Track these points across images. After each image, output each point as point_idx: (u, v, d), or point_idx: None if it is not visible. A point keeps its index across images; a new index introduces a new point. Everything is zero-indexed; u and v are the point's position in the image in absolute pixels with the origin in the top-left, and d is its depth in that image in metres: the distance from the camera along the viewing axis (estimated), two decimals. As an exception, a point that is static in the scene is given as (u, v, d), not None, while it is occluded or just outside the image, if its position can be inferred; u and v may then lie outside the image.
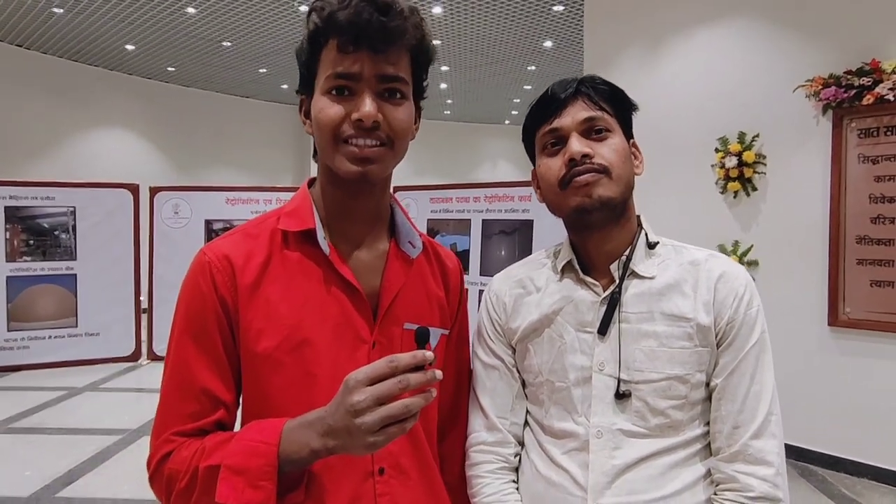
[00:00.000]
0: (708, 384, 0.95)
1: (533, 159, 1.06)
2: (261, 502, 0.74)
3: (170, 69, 9.81)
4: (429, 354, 0.70)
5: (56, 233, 5.77)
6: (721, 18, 4.02)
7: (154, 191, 5.98)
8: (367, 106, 0.82)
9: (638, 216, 1.04)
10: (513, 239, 5.34)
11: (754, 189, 3.81)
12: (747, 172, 3.78)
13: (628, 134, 1.03)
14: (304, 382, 0.85)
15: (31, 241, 5.68)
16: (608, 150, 0.96)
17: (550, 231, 5.27)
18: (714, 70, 4.04)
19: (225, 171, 10.85)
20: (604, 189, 0.94)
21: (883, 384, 3.37)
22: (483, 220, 5.50)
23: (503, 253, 5.43)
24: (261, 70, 9.88)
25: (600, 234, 0.99)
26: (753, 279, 3.90)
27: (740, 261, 3.78)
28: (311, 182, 0.97)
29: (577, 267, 1.01)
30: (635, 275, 0.98)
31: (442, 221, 5.69)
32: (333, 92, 0.84)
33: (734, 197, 3.90)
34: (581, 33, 6.74)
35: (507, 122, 15.23)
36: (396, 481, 0.88)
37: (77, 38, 8.19)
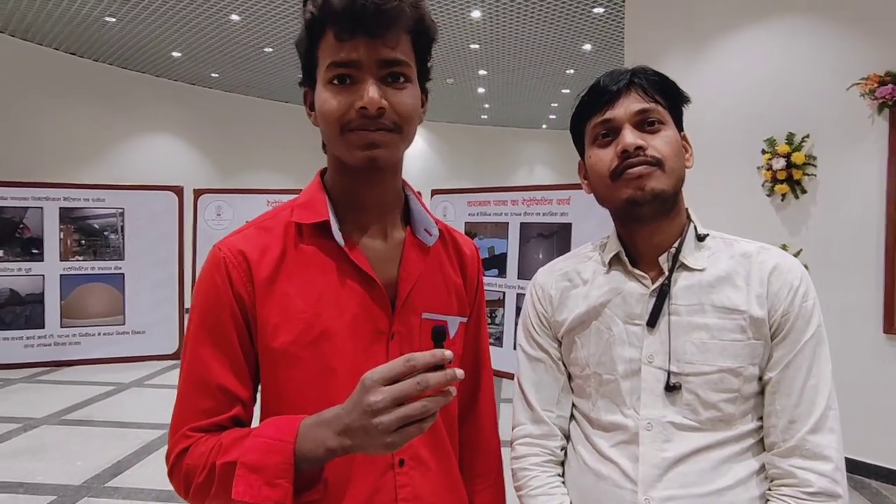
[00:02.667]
0: (761, 378, 0.93)
1: (580, 151, 1.05)
2: (277, 500, 0.73)
3: (213, 75, 10.07)
4: (448, 353, 0.68)
5: (105, 233, 5.98)
6: (767, 16, 3.92)
7: (198, 193, 6.13)
8: (371, 93, 0.79)
9: (686, 209, 1.03)
10: (551, 242, 5.31)
11: (803, 191, 3.70)
12: (796, 174, 3.67)
13: (679, 126, 1.01)
14: (322, 376, 0.84)
15: (83, 241, 5.90)
16: (661, 143, 0.95)
17: (589, 234, 5.17)
18: (760, 70, 3.94)
19: (264, 173, 11.07)
20: (656, 182, 0.93)
21: (942, 395, 3.22)
22: (521, 224, 5.47)
23: (541, 256, 5.39)
24: (300, 75, 10.02)
25: (650, 227, 0.97)
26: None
27: (788, 265, 3.67)
28: (324, 172, 0.95)
29: (626, 259, 1.00)
30: (685, 267, 0.97)
31: (479, 225, 5.69)
32: (335, 81, 0.82)
33: (782, 199, 3.79)
34: (622, 35, 6.66)
35: (544, 126, 15.15)
36: (416, 472, 0.88)
37: (127, 46, 8.48)
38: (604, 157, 0.97)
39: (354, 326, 0.86)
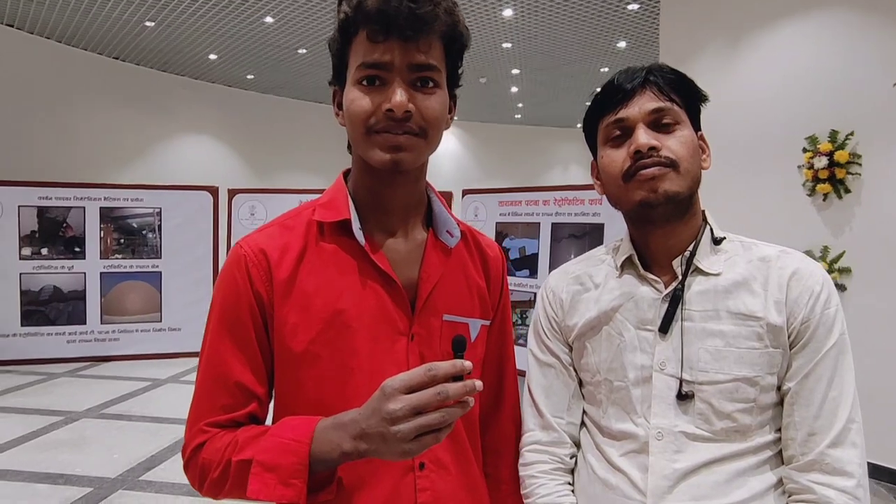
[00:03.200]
0: (780, 388, 0.90)
1: (593, 151, 1.03)
2: (291, 499, 0.74)
3: (249, 77, 10.25)
4: (468, 364, 0.69)
5: (143, 232, 6.13)
6: (807, 10, 3.80)
7: (232, 193, 6.23)
8: (399, 96, 0.80)
9: (703, 211, 0.99)
10: (583, 242, 5.23)
11: (847, 191, 3.57)
12: (839, 173, 3.54)
13: (696, 126, 0.98)
14: (340, 376, 0.84)
15: (122, 240, 6.06)
16: (676, 143, 0.92)
17: (622, 235, 5.07)
18: (801, 66, 3.81)
19: (298, 174, 11.21)
20: (670, 184, 0.90)
21: None
22: (552, 224, 5.42)
23: (572, 256, 5.27)
24: (334, 76, 10.14)
25: (663, 230, 0.95)
26: (844, 288, 3.63)
27: (830, 268, 3.54)
28: (347, 173, 0.95)
29: (638, 262, 0.98)
30: (699, 271, 0.94)
31: (510, 225, 5.65)
32: (364, 82, 0.82)
33: (824, 200, 3.66)
34: (657, 32, 6.54)
35: (578, 125, 14.95)
36: (436, 475, 0.88)
37: (165, 50, 8.69)
38: (616, 158, 0.95)
39: (374, 326, 0.86)
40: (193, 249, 6.18)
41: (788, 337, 0.89)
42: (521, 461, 1.03)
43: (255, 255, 0.86)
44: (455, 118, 0.93)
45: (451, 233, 0.94)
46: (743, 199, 3.89)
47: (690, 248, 0.95)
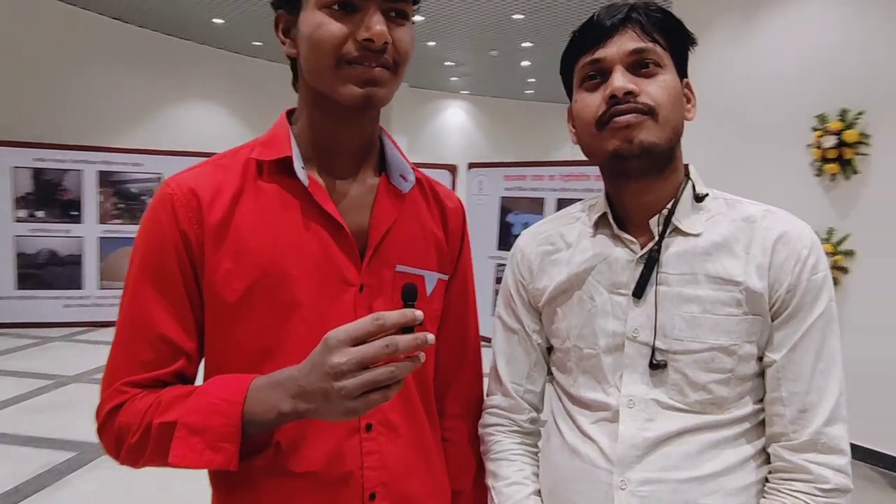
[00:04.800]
0: (761, 359, 0.84)
1: (569, 95, 0.94)
2: (220, 465, 0.68)
3: (256, 44, 10.09)
4: (419, 314, 0.63)
5: (143, 198, 6.10)
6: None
7: (233, 160, 6.17)
8: (379, 24, 0.74)
9: (686, 165, 0.91)
10: (585, 220, 5.13)
11: (855, 171, 3.43)
12: (847, 153, 3.40)
13: (682, 72, 0.88)
14: (278, 330, 0.77)
15: (121, 205, 6.03)
16: (656, 89, 0.83)
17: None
18: (814, 42, 3.65)
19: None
20: (647, 133, 0.81)
21: None
22: (558, 200, 5.33)
23: (574, 234, 5.23)
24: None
25: (639, 184, 0.86)
26: (847, 270, 3.49)
27: (835, 251, 3.43)
28: (290, 113, 0.87)
29: (612, 221, 0.90)
30: (678, 231, 0.86)
31: (515, 200, 5.56)
32: (335, 7, 0.74)
33: (831, 180, 3.53)
34: (669, 5, 6.32)
35: (590, 101, 14.73)
36: (385, 438, 0.81)
37: (169, 12, 8.56)
38: (590, 103, 0.86)
39: (318, 275, 0.78)
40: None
41: (772, 306, 0.82)
42: (481, 421, 1.01)
43: (183, 195, 0.77)
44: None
45: (404, 177, 0.87)
46: (749, 175, 3.77)
47: (669, 205, 0.87)
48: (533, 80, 12.24)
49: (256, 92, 10.83)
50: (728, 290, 0.82)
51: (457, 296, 0.96)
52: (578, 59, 0.89)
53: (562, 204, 5.29)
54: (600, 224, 0.92)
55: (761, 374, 0.84)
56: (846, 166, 3.44)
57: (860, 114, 3.39)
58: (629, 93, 0.82)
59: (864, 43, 3.44)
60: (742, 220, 0.86)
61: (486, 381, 1.04)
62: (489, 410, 1.00)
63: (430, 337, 0.63)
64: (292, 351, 0.73)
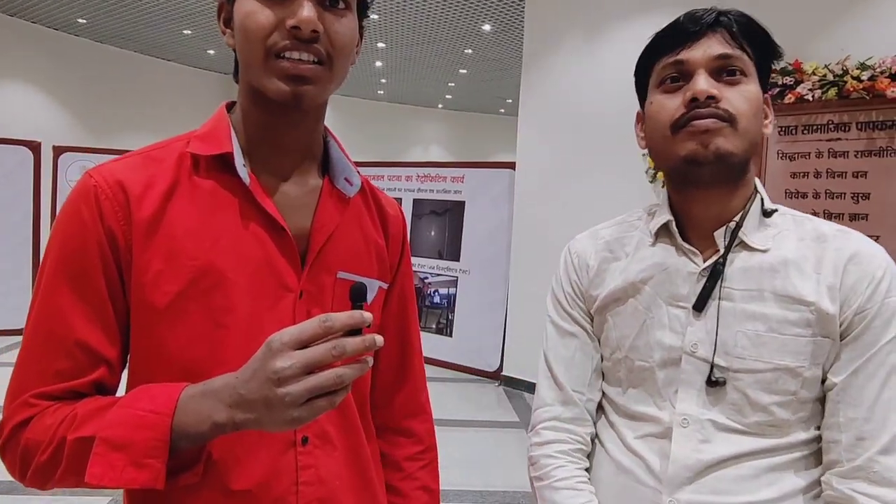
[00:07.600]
0: (824, 381, 0.81)
1: (641, 98, 0.92)
2: (144, 483, 0.61)
3: (80, 21, 9.06)
4: (368, 315, 0.60)
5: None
6: (659, 7, 4.09)
7: (58, 150, 5.53)
8: (306, 10, 0.69)
9: (755, 180, 0.90)
10: (443, 219, 5.30)
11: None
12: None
13: (765, 85, 0.86)
14: (211, 337, 0.71)
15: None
16: (738, 97, 0.80)
17: (482, 213, 5.26)
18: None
19: (144, 136, 10.17)
20: (724, 140, 0.79)
21: None
22: (414, 200, 5.44)
23: (433, 233, 5.37)
24: (185, 31, 9.32)
25: (709, 193, 0.84)
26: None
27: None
28: (230, 106, 0.82)
29: (676, 230, 0.87)
30: (745, 246, 0.84)
31: (372, 199, 5.57)
32: None
33: (663, 185, 3.99)
34: (522, 17, 6.73)
35: (440, 105, 15.15)
36: (321, 451, 0.77)
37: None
38: (668, 105, 0.83)
39: (256, 280, 0.74)
40: (9, 213, 5.39)
41: (840, 326, 0.79)
42: (535, 439, 0.93)
43: (109, 187, 0.70)
44: (357, 57, 0.82)
45: (349, 181, 0.84)
46: (591, 179, 4.13)
47: (737, 218, 0.84)
48: (385, 80, 12.32)
49: (81, 74, 9.77)
50: (797, 310, 0.79)
51: (396, 305, 0.94)
52: (659, 60, 0.86)
53: (418, 204, 5.43)
54: (661, 233, 0.89)
55: (823, 399, 0.81)
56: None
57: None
58: (711, 97, 0.79)
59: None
60: (813, 238, 0.83)
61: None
62: (546, 424, 0.92)
63: (380, 339, 0.60)
64: (226, 360, 0.70)
